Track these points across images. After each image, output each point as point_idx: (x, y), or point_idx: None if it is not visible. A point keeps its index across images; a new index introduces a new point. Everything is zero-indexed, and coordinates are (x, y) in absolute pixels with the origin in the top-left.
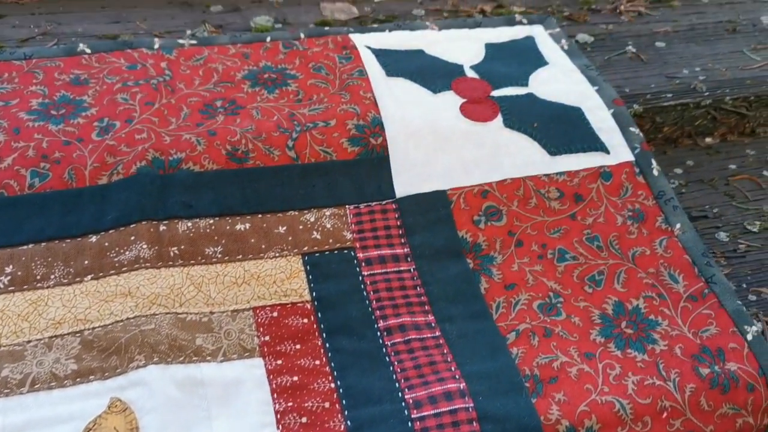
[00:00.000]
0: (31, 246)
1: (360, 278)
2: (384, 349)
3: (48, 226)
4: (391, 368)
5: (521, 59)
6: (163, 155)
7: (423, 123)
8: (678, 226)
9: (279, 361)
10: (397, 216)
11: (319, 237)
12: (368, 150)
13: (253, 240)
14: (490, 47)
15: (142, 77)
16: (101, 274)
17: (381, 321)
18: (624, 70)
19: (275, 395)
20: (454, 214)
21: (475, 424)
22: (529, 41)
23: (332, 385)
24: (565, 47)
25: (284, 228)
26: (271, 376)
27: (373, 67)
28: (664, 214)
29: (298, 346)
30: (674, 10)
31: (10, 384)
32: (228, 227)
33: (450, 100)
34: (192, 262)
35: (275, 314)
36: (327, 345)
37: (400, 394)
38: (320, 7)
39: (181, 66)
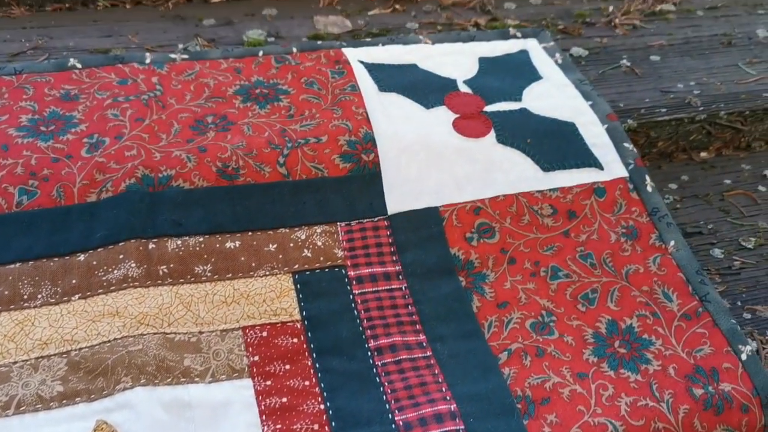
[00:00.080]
0: (18, 265)
1: (351, 297)
2: (374, 370)
3: (36, 244)
4: (381, 389)
5: (515, 73)
6: (152, 172)
7: (415, 139)
8: (672, 243)
9: (268, 382)
10: (389, 233)
11: (309, 255)
12: (360, 166)
13: (243, 258)
14: (483, 61)
15: (133, 93)
16: (89, 293)
17: (372, 341)
18: (618, 84)
19: (264, 417)
20: (446, 231)
21: None
22: (523, 55)
23: (321, 406)
24: (559, 61)
25: (274, 246)
26: (260, 398)
27: (365, 81)
28: (658, 231)
29: (287, 367)
30: (669, 23)
31: None
32: (218, 245)
33: (443, 116)
34: (181, 280)
35: (265, 334)
36: (317, 365)
37: (390, 415)
38: (313, 20)
39: (173, 81)
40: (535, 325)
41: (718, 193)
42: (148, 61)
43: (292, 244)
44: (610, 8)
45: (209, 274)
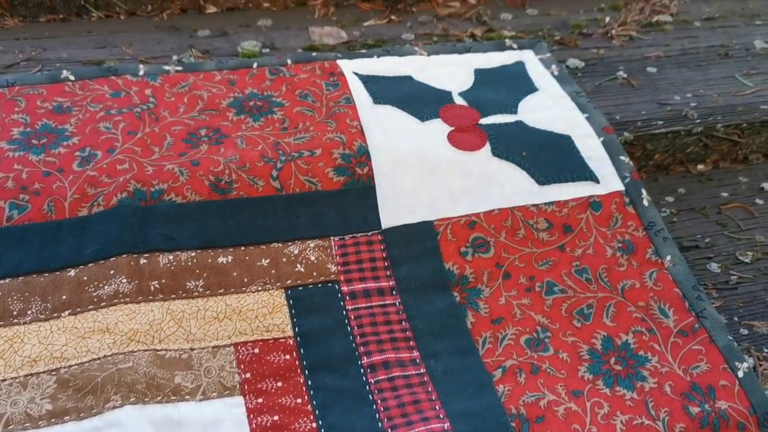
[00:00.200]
0: (8, 281)
1: (344, 313)
2: (367, 387)
3: (26, 259)
4: (374, 407)
5: (511, 85)
6: (144, 186)
7: (410, 152)
8: (668, 258)
9: (260, 400)
10: (382, 248)
11: (302, 270)
12: (354, 180)
13: (235, 273)
14: (479, 73)
15: (126, 105)
16: (79, 309)
17: (365, 357)
18: (615, 96)
19: None
20: (440, 246)
21: None
22: (519, 67)
23: (314, 424)
24: (556, 73)
25: (267, 261)
26: (252, 416)
27: (360, 94)
28: (654, 246)
29: (279, 384)
30: (666, 34)
31: None
32: (210, 260)
33: (438, 129)
34: (173, 296)
35: (257, 350)
36: (309, 382)
37: None
38: (309, 31)
39: (166, 93)
40: (530, 341)
41: (715, 206)
42: (141, 73)
43: (284, 259)
44: (607, 19)
45: (201, 290)
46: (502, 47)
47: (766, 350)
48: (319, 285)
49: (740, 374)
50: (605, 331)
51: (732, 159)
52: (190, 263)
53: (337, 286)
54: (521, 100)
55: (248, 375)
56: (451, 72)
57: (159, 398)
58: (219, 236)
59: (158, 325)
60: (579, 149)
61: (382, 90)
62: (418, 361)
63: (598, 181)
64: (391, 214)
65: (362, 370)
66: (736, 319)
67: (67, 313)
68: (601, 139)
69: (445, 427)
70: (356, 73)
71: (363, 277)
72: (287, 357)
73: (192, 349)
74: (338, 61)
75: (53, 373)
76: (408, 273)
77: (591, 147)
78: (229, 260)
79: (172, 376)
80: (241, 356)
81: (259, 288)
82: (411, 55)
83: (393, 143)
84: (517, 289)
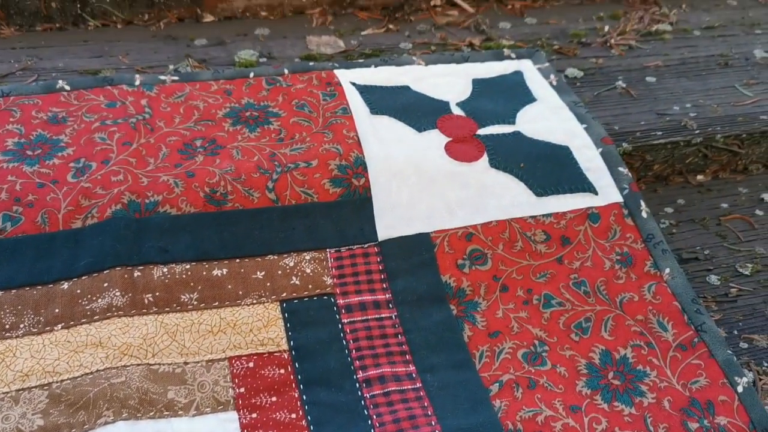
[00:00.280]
0: (0, 293)
1: (339, 326)
2: (362, 402)
3: (19, 272)
4: (369, 422)
5: (509, 95)
6: (139, 198)
7: (407, 163)
8: (667, 271)
9: (254, 415)
10: (379, 260)
11: (298, 283)
12: (350, 191)
13: (230, 286)
14: (477, 83)
15: (121, 116)
16: (72, 322)
17: (360, 372)
18: (613, 106)
19: None
20: (437, 258)
21: None
22: (518, 76)
23: None
24: (554, 83)
25: (262, 273)
26: (245, 431)
27: (357, 104)
28: (653, 258)
29: (274, 399)
30: (665, 43)
31: None
32: (204, 273)
33: (435, 140)
34: (167, 309)
35: (251, 364)
36: (304, 397)
37: None
38: (306, 40)
39: (162, 103)
40: (528, 355)
41: (715, 217)
42: (137, 82)
43: (280, 272)
44: (606, 28)
45: (195, 303)
46: (500, 57)
47: (766, 364)
48: (315, 298)
49: (740, 389)
50: (603, 345)
51: (732, 170)
52: (184, 276)
53: (332, 299)
54: (519, 110)
55: (242, 390)
56: (448, 82)
57: (151, 414)
58: (214, 248)
59: (152, 338)
60: (577, 160)
61: (380, 100)
62: (414, 375)
63: (596, 193)
64: (388, 226)
65: (357, 385)
66: (735, 332)
67: (59, 326)
68: (600, 149)
69: None
70: (353, 83)
71: (359, 290)
72: (282, 371)
73: (186, 363)
74: (335, 71)
75: (45, 387)
76: (404, 286)
77: (589, 158)
78: (224, 273)
79: (165, 391)
80: (235, 370)
81: (254, 301)
82: (409, 65)
83: (390, 154)
84: (514, 302)
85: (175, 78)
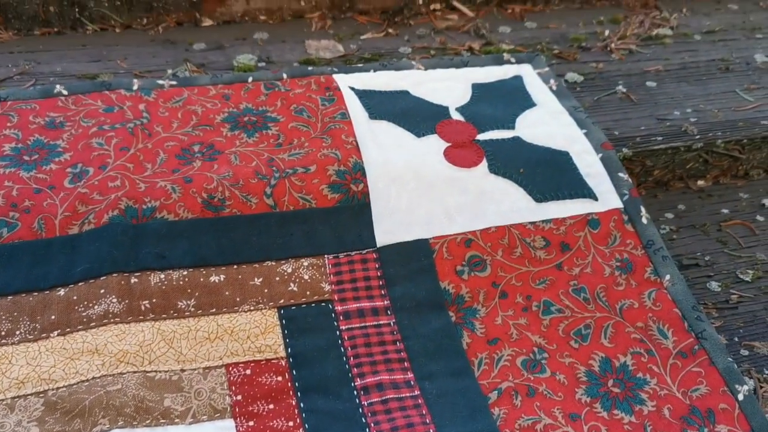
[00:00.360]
0: None
1: (337, 333)
2: (360, 410)
3: (15, 278)
4: (367, 430)
5: (508, 100)
6: (136, 203)
7: (406, 168)
8: (667, 277)
9: (251, 423)
10: (377, 266)
11: (296, 289)
12: (349, 197)
13: (227, 292)
14: (476, 87)
15: (119, 121)
16: (68, 329)
17: (358, 379)
18: (614, 111)
19: None
20: (436, 264)
21: None
22: (517, 81)
23: None
24: (554, 88)
25: (260, 279)
26: None
27: (356, 109)
28: (653, 265)
29: (271, 406)
30: (666, 47)
31: None
32: (202, 279)
33: (434, 145)
34: (164, 316)
35: (248, 372)
36: (301, 405)
37: None
38: (305, 45)
39: (160, 108)
40: (527, 362)
41: (716, 223)
42: (135, 87)
43: (278, 278)
44: (606, 32)
45: (192, 309)
46: (500, 61)
47: (766, 372)
48: (313, 304)
49: (740, 397)
50: (603, 353)
51: (733, 175)
52: (181, 282)
53: (330, 306)
54: (519, 115)
55: (239, 397)
56: (448, 86)
57: (148, 422)
58: (211, 254)
59: (148, 345)
60: (577, 166)
61: (378, 105)
62: (412, 383)
63: (596, 199)
64: (386, 232)
65: (355, 393)
66: (736, 339)
67: (56, 333)
68: (600, 155)
69: None
70: (352, 88)
71: (357, 297)
72: (279, 378)
73: (182, 371)
74: (334, 76)
75: (41, 395)
76: (403, 292)
77: (589, 163)
78: (222, 279)
79: (161, 399)
80: (232, 378)
81: (252, 307)
82: (408, 70)
83: (389, 159)
84: (513, 309)
85: (174, 83)
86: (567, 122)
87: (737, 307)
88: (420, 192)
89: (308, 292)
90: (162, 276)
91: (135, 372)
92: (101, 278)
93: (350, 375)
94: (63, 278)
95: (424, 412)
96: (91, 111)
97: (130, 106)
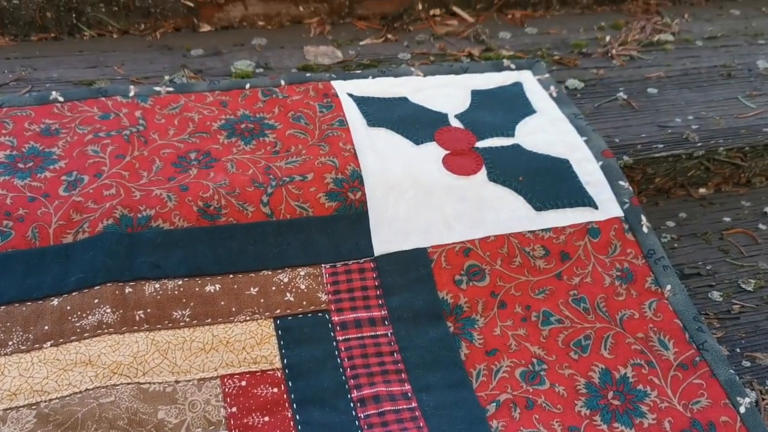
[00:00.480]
0: None
1: (334, 344)
2: (357, 422)
3: (8, 288)
4: None
5: (508, 107)
6: (131, 212)
7: (404, 176)
8: (668, 287)
9: None
10: (375, 276)
11: (292, 299)
12: (346, 205)
13: (223, 302)
14: (476, 94)
15: (115, 128)
16: (61, 340)
17: (354, 391)
18: (614, 118)
19: None
20: (434, 274)
21: None
22: (517, 88)
23: None
24: (554, 94)
25: (256, 289)
26: None
27: (354, 116)
28: (654, 275)
29: (266, 419)
30: (667, 53)
31: None
32: (197, 289)
33: (432, 152)
34: (158, 326)
35: (244, 383)
36: (297, 417)
37: None
38: (303, 50)
39: (156, 115)
40: (526, 374)
41: (717, 231)
42: (131, 94)
43: (274, 288)
44: (607, 38)
45: (187, 320)
46: (499, 67)
47: None
48: (309, 315)
49: (742, 410)
50: (603, 364)
51: (734, 183)
52: (176, 292)
53: (327, 316)
54: (518, 122)
55: (234, 409)
56: (447, 93)
57: None
58: (207, 264)
59: (142, 356)
60: (577, 174)
61: (377, 112)
62: (409, 394)
63: (596, 207)
64: (384, 241)
65: (352, 404)
66: (738, 350)
67: (49, 344)
68: (600, 163)
69: None
70: (350, 95)
71: (354, 307)
72: (275, 390)
73: (177, 382)
74: (332, 82)
75: (33, 407)
76: (401, 302)
77: (589, 171)
78: (217, 289)
79: (155, 411)
80: (227, 389)
81: (247, 318)
82: (407, 76)
83: (387, 167)
84: (512, 319)
85: (170, 89)
86: (567, 129)
87: (739, 318)
88: (418, 200)
89: (305, 302)
90: (157, 286)
91: (129, 383)
92: (95, 288)
93: (347, 387)
94: (57, 288)
95: (421, 424)
96: (87, 118)
97: (126, 113)
